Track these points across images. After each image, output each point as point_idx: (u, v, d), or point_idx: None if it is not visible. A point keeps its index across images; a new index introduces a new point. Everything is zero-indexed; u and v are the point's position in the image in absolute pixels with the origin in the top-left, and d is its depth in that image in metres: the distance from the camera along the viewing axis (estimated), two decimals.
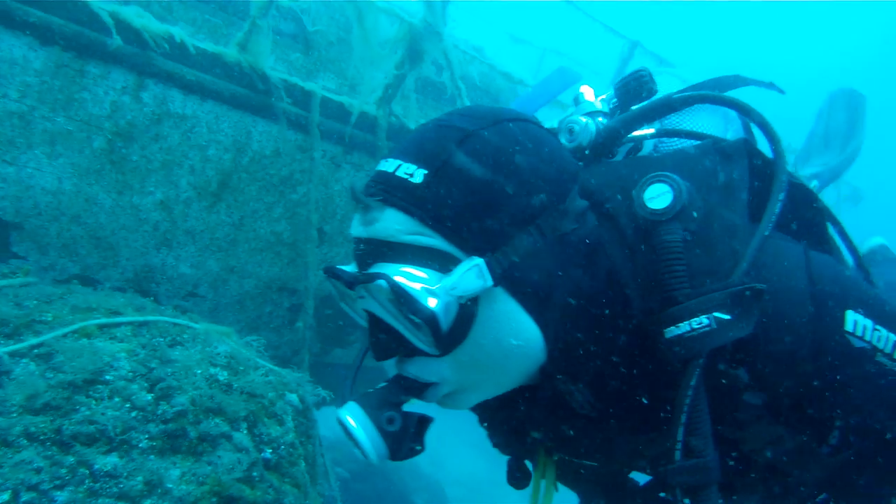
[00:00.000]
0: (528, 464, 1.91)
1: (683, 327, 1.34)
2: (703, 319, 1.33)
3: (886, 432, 1.50)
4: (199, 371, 3.38)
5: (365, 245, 1.36)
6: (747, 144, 1.56)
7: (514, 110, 1.50)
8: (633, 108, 1.70)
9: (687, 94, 1.65)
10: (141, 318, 3.48)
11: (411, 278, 1.28)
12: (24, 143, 3.77)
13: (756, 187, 1.51)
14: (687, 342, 1.34)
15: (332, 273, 1.41)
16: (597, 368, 1.49)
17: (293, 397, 3.73)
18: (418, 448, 1.45)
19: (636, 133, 1.71)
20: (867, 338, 1.41)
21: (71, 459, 2.96)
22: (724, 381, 1.39)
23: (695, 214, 1.43)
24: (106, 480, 2.96)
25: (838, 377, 1.41)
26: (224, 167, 4.20)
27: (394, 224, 1.30)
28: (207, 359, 3.46)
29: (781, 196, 1.45)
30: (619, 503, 1.93)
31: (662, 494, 1.73)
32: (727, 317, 1.32)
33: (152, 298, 4.10)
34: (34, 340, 3.20)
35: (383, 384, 1.44)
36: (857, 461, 1.58)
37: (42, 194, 3.89)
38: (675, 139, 1.74)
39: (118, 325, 3.44)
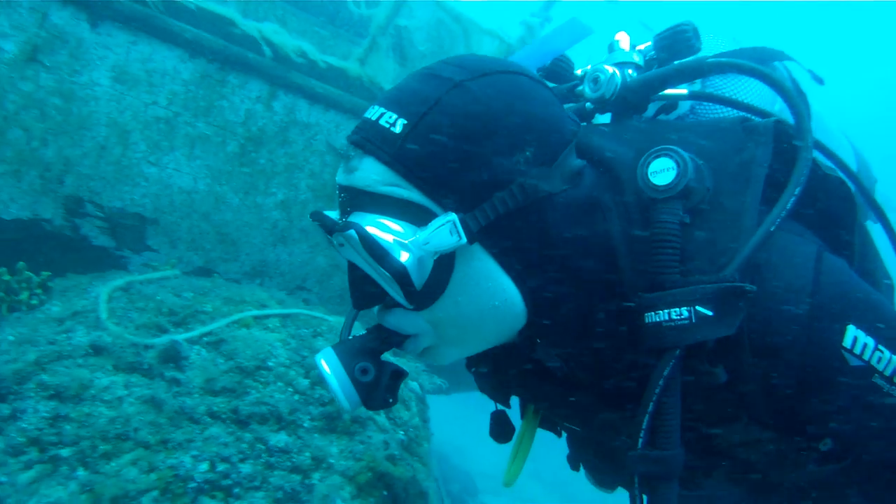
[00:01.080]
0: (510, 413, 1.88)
1: (662, 315, 1.29)
2: (684, 311, 1.28)
3: (865, 453, 1.43)
4: None
5: (346, 193, 1.34)
6: (778, 125, 1.44)
7: (511, 62, 1.45)
8: (663, 67, 1.59)
9: (722, 59, 1.53)
10: (286, 311, 3.84)
11: (385, 230, 1.26)
12: (167, 146, 4.09)
13: (778, 174, 1.40)
14: (664, 331, 1.29)
15: (316, 216, 1.37)
16: (576, 337, 1.44)
17: (415, 385, 4.13)
18: (391, 400, 1.43)
19: (670, 91, 1.62)
20: (865, 357, 1.32)
21: (249, 436, 3.33)
22: (700, 376, 1.33)
23: (699, 196, 1.35)
24: (279, 455, 3.33)
25: (824, 393, 1.34)
26: None
27: (371, 174, 1.28)
28: None
29: (797, 190, 1.35)
30: (605, 457, 1.87)
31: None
32: (709, 313, 1.26)
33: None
34: (204, 329, 3.54)
35: (363, 332, 1.42)
36: (849, 472, 1.49)
37: (178, 193, 4.21)
38: (713, 105, 1.65)
39: (268, 316, 3.79)
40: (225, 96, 4.11)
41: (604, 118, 1.65)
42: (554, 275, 1.36)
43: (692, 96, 1.64)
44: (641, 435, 1.33)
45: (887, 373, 1.32)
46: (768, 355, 1.31)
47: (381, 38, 4.26)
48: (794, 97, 1.46)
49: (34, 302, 3.52)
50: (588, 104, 1.61)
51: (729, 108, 1.65)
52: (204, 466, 3.14)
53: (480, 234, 1.27)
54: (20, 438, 3.08)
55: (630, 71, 1.61)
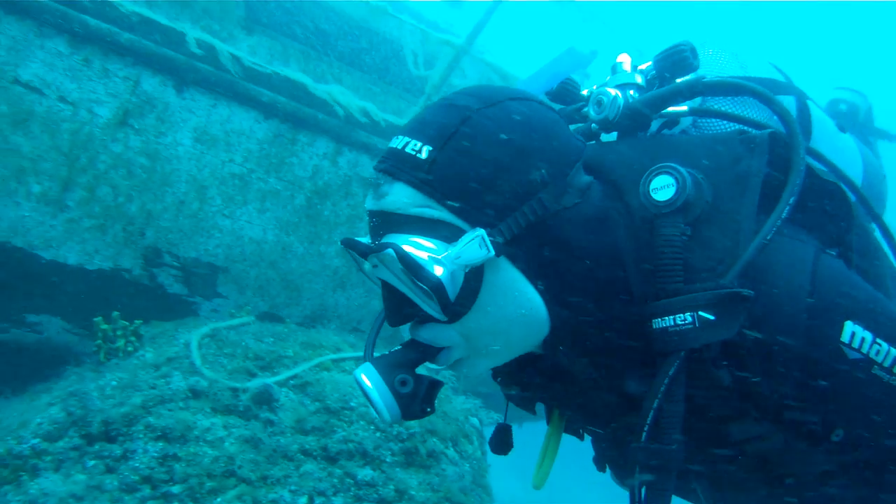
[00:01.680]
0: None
1: (668, 321, 1.36)
2: (688, 317, 1.35)
3: (873, 445, 1.50)
4: None
5: (377, 218, 1.40)
6: (773, 137, 1.51)
7: (519, 90, 1.54)
8: (663, 87, 1.67)
9: (716, 79, 1.63)
10: (360, 354, 4.11)
11: (419, 248, 1.32)
12: (240, 200, 4.38)
13: (775, 183, 1.46)
14: (669, 336, 1.36)
15: (348, 244, 1.43)
16: (595, 343, 1.50)
17: (475, 420, 4.40)
18: (429, 409, 1.48)
19: (672, 109, 1.69)
20: (864, 350, 1.38)
21: (339, 471, 3.59)
22: (704, 379, 1.40)
23: (698, 208, 1.42)
24: (367, 488, 3.59)
25: (826, 386, 1.40)
26: None
27: (402, 197, 1.35)
28: None
29: (791, 200, 1.41)
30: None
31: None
32: (711, 317, 1.34)
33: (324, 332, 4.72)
34: (290, 373, 3.81)
35: (398, 348, 1.46)
36: (863, 461, 1.56)
37: (249, 243, 4.49)
38: (714, 120, 1.72)
39: (344, 359, 4.07)
40: (295, 153, 4.42)
41: (609, 136, 1.74)
42: (571, 283, 1.43)
43: (692, 112, 1.71)
44: (645, 429, 1.40)
45: (886, 364, 1.39)
46: (771, 355, 1.37)
47: (435, 96, 4.60)
48: (783, 110, 1.56)
49: (129, 349, 3.77)
50: (593, 125, 1.69)
51: (729, 122, 1.71)
52: (303, 500, 3.39)
53: (505, 247, 1.34)
54: (133, 476, 3.32)
55: (632, 92, 1.68)
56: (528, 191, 1.37)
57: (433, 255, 1.31)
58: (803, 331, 1.36)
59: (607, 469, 2.04)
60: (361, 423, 3.77)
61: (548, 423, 1.91)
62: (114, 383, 3.58)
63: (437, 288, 1.30)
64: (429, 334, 1.43)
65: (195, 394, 3.58)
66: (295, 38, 4.79)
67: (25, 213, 3.96)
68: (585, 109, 1.70)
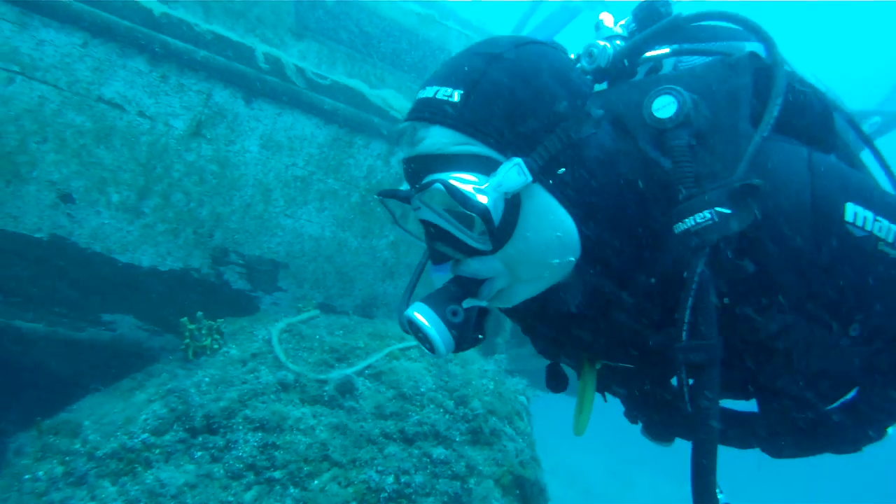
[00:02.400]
0: (566, 368, 1.99)
1: (689, 222, 1.42)
2: (706, 214, 1.41)
3: (887, 332, 1.56)
4: (474, 382, 4.41)
5: (415, 164, 1.47)
6: (752, 57, 1.60)
7: (532, 37, 1.62)
8: (645, 31, 1.76)
9: (694, 12, 1.71)
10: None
11: (462, 181, 1.39)
12: (301, 201, 4.67)
13: (762, 95, 1.55)
14: (693, 235, 1.42)
15: (389, 193, 1.49)
16: (623, 263, 1.57)
17: (522, 398, 4.80)
18: (480, 337, 1.53)
19: (654, 53, 1.77)
20: (868, 228, 1.44)
21: (416, 451, 3.97)
22: (731, 271, 1.46)
23: (700, 122, 1.50)
24: (442, 466, 3.98)
25: (841, 266, 1.46)
26: None
27: (440, 138, 1.42)
28: (478, 373, 4.50)
29: (779, 100, 1.50)
30: (658, 411, 1.98)
31: (674, 381, 1.74)
32: (727, 211, 1.40)
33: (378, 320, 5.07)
34: (365, 363, 4.16)
35: (441, 287, 1.52)
36: (883, 354, 1.62)
37: (308, 240, 4.79)
38: (694, 57, 1.79)
39: (410, 348, 4.42)
40: (352, 155, 4.69)
41: (601, 87, 1.79)
42: (597, 205, 1.49)
43: (674, 53, 1.78)
44: (685, 328, 1.46)
45: (889, 239, 1.46)
46: (785, 241, 1.44)
47: None
48: (762, 29, 1.64)
49: (216, 346, 4.09)
50: (587, 76, 1.75)
51: (703, 58, 1.77)
52: (390, 479, 3.77)
53: (539, 174, 1.41)
54: (238, 465, 3.66)
55: (618, 42, 1.76)
56: (553, 122, 1.44)
57: (476, 186, 1.39)
58: (810, 214, 1.44)
59: (638, 423, 2.09)
60: (431, 406, 4.14)
61: (579, 378, 1.94)
62: (207, 380, 3.90)
63: (484, 213, 1.37)
64: (472, 267, 1.50)
65: (284, 386, 3.92)
66: (341, 41, 5.03)
67: (105, 220, 4.22)
68: (578, 65, 1.76)
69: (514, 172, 1.39)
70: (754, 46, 1.71)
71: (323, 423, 3.86)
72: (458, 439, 4.10)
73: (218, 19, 4.52)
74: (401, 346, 4.37)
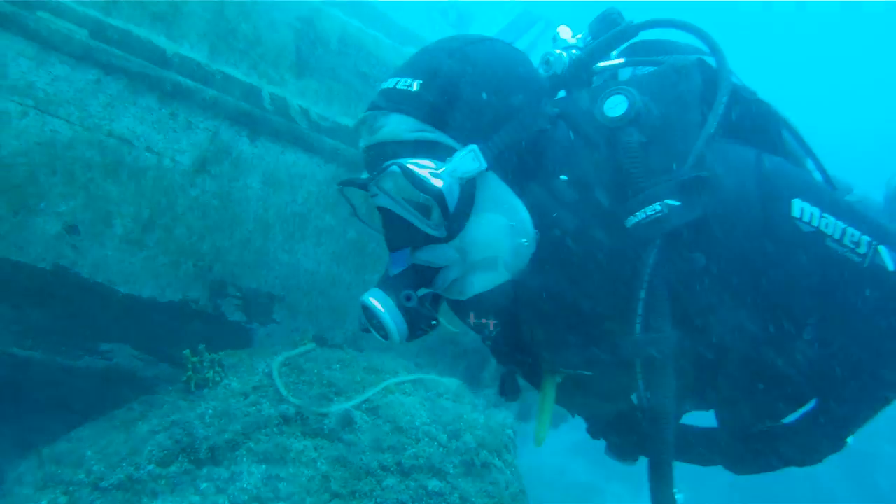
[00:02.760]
0: (521, 380, 1.98)
1: (640, 215, 1.43)
2: (657, 206, 1.42)
3: (840, 337, 1.55)
4: (465, 416, 4.57)
5: (374, 150, 1.49)
6: (700, 63, 1.62)
7: (491, 36, 1.65)
8: (600, 38, 1.77)
9: (646, 20, 1.73)
10: (415, 377, 4.62)
11: (419, 166, 1.40)
12: (299, 236, 4.80)
13: (708, 100, 1.56)
14: (644, 227, 1.43)
15: (347, 182, 1.53)
16: (577, 257, 1.57)
17: (509, 431, 4.98)
18: (434, 322, 1.52)
19: (610, 63, 1.78)
20: (814, 224, 1.44)
21: (413, 484, 4.11)
22: (682, 264, 1.46)
23: (650, 120, 1.51)
24: (437, 498, 4.12)
25: (789, 262, 1.45)
26: None
27: (399, 125, 1.44)
28: (469, 407, 4.67)
29: (724, 100, 1.51)
30: (618, 428, 1.95)
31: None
32: (677, 203, 1.40)
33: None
34: (363, 397, 4.29)
35: (396, 274, 1.50)
36: (836, 358, 1.59)
37: (304, 275, 4.91)
38: (649, 67, 1.79)
39: (404, 382, 4.57)
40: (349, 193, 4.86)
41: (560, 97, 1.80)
42: (550, 197, 1.52)
43: (629, 63, 1.82)
44: (638, 321, 1.47)
45: (836, 236, 1.47)
46: (734, 235, 1.45)
47: None
48: (709, 36, 1.67)
49: (217, 378, 4.18)
50: (545, 84, 1.76)
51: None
52: None
53: (495, 162, 1.44)
54: (243, 496, 3.75)
55: (574, 52, 1.80)
56: (509, 113, 1.48)
57: (432, 171, 1.42)
58: (758, 211, 1.46)
59: (601, 440, 2.11)
60: (426, 439, 4.29)
61: (539, 389, 1.94)
62: (210, 412, 3.98)
63: (438, 196, 1.41)
64: (427, 255, 1.53)
65: (286, 419, 4.03)
66: (338, 80, 5.21)
67: (109, 252, 4.29)
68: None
69: (469, 158, 1.43)
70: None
71: (324, 455, 3.97)
72: (451, 472, 4.25)
73: (223, 56, 4.65)
74: (396, 380, 4.51)
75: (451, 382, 4.82)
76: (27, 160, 3.93)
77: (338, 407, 4.11)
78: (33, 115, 3.88)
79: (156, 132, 4.19)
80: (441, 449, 4.31)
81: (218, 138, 4.35)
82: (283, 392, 4.08)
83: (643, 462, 1.82)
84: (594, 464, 13.12)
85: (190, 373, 4.12)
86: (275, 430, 3.97)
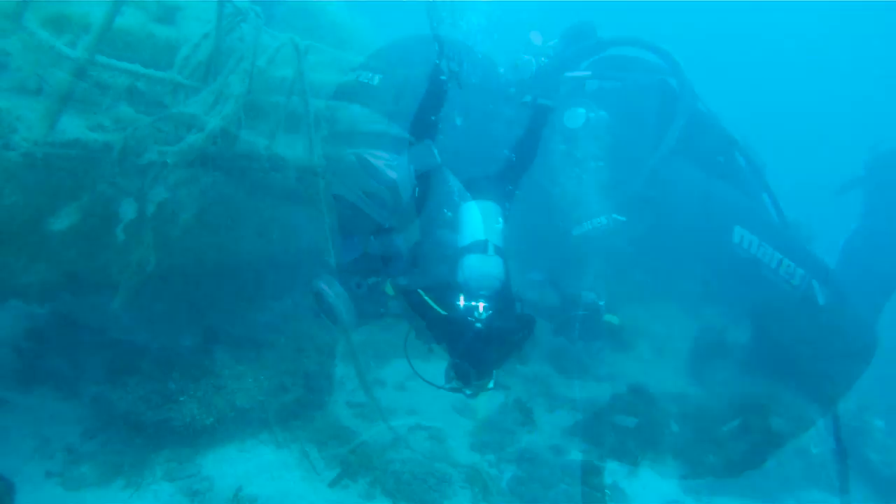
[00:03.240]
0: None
1: (586, 226, 1.36)
2: (602, 219, 1.35)
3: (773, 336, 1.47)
4: None
5: (333, 140, 1.41)
6: (661, 84, 1.58)
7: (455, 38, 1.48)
8: (569, 49, 1.69)
9: (615, 36, 1.62)
10: None
11: (374, 157, 1.35)
12: None
13: (666, 120, 1.54)
14: (589, 238, 1.38)
15: (308, 169, 1.40)
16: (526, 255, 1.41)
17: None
18: (382, 311, 1.48)
19: (578, 74, 1.72)
20: (752, 251, 1.40)
21: None
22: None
23: (606, 136, 1.46)
24: None
25: (727, 282, 1.46)
26: None
27: (359, 117, 1.37)
28: None
29: (681, 123, 1.47)
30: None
31: None
32: (622, 218, 1.35)
33: None
34: None
35: (349, 262, 1.46)
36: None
37: None
38: (615, 82, 1.71)
39: None
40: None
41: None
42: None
43: (595, 76, 1.71)
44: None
45: (772, 266, 1.48)
46: (676, 255, 1.46)
47: None
48: (672, 57, 1.61)
49: None
50: (511, 88, 1.64)
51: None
52: None
53: None
54: None
55: (543, 59, 1.71)
56: (467, 111, 1.39)
57: (388, 162, 1.36)
58: (700, 234, 1.40)
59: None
60: None
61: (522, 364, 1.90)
62: None
63: (392, 187, 1.34)
64: (380, 243, 1.46)
65: None
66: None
67: None
68: (504, 77, 1.57)
69: (424, 152, 1.34)
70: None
71: None
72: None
73: None
74: None
75: None
76: None
77: None
78: None
79: None
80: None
81: None
82: None
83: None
84: (590, 443, 13.24)
85: None
86: None
